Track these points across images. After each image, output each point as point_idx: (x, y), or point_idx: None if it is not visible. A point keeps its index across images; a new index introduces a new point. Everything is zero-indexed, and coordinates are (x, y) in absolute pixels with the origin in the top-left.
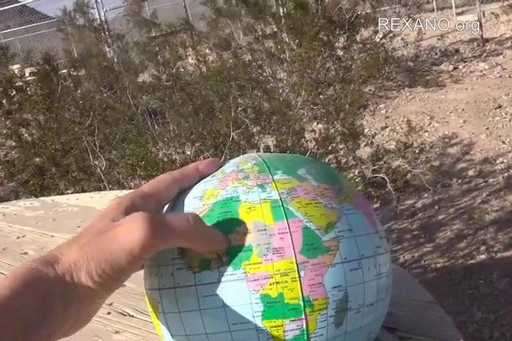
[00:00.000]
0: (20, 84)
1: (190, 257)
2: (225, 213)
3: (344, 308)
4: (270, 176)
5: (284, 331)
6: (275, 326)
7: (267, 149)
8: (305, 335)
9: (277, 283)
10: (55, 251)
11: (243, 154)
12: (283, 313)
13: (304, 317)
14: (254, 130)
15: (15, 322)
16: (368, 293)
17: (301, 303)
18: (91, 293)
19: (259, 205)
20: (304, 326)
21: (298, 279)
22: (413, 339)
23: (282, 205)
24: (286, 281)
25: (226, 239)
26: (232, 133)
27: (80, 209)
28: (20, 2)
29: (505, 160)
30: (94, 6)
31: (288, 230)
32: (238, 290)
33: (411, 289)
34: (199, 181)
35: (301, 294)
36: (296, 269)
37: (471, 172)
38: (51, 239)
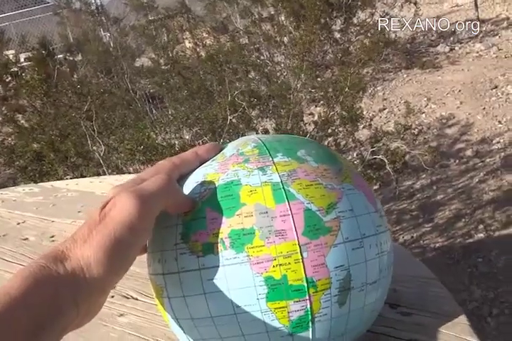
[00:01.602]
0: (16, 69)
1: (193, 242)
2: (226, 197)
3: (347, 287)
4: (270, 159)
5: (288, 312)
6: (280, 307)
7: (266, 132)
8: (309, 315)
9: (280, 265)
10: (61, 247)
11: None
12: (287, 295)
13: (307, 297)
14: (253, 113)
15: (27, 322)
16: (371, 271)
17: (305, 284)
18: (102, 283)
19: (260, 188)
20: (308, 306)
21: (301, 260)
22: (414, 315)
23: (283, 188)
24: (289, 263)
25: (193, 201)
26: (229, 117)
27: (80, 194)
28: None
29: (501, 140)
30: None
31: (290, 212)
32: (242, 273)
33: (412, 266)
34: (199, 166)
35: (304, 275)
36: (298, 251)
37: (468, 153)
38: (52, 224)
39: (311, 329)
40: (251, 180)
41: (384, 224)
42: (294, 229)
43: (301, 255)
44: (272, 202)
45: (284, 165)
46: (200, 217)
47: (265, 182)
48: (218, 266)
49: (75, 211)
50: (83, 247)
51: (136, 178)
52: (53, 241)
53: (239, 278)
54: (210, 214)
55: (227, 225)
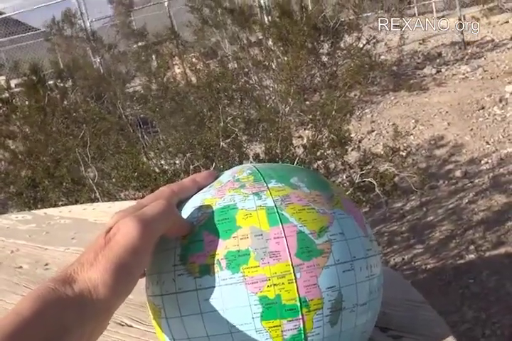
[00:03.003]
0: (7, 95)
1: (190, 263)
2: (223, 220)
3: (339, 308)
4: (265, 184)
5: (282, 331)
6: (273, 326)
7: (257, 157)
8: (302, 334)
9: (274, 285)
10: (69, 270)
11: (233, 163)
12: (281, 314)
13: (300, 317)
14: (243, 138)
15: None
16: (361, 293)
17: (298, 304)
18: (108, 305)
19: (255, 212)
20: (301, 326)
21: (294, 281)
22: (405, 338)
23: (277, 211)
24: (283, 283)
25: (191, 225)
26: (221, 143)
27: (73, 221)
28: (4, 14)
29: (489, 161)
30: (80, 16)
31: (283, 235)
32: (237, 293)
33: (403, 289)
34: (197, 192)
35: (297, 295)
36: (292, 271)
37: (457, 174)
38: (45, 252)
39: None
40: (246, 204)
41: (374, 248)
42: (287, 251)
43: (295, 275)
44: (267, 224)
45: (277, 190)
46: (198, 240)
47: (260, 206)
48: (214, 287)
49: (68, 238)
50: (90, 270)
51: (137, 205)
52: (47, 269)
53: (234, 298)
54: (208, 237)
55: (224, 247)
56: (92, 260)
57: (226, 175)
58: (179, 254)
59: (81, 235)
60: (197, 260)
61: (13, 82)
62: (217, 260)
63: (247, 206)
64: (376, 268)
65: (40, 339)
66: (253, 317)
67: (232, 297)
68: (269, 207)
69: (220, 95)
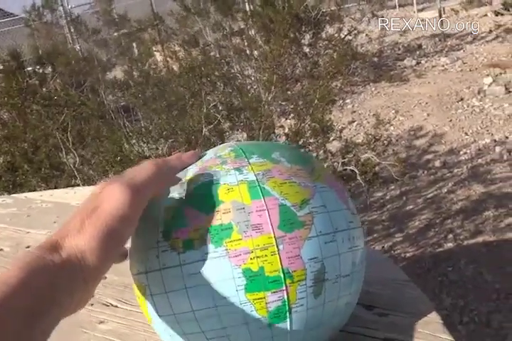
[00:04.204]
0: None
1: (174, 239)
2: (205, 195)
3: (321, 279)
4: (246, 160)
5: (266, 303)
6: (258, 298)
7: None
8: (286, 306)
9: (257, 257)
10: (55, 237)
11: None
12: (264, 286)
13: (284, 288)
14: (226, 126)
15: (24, 310)
16: (344, 264)
17: (281, 275)
18: (96, 271)
19: (236, 186)
20: (285, 297)
21: (277, 253)
22: (390, 315)
23: (259, 185)
24: (265, 255)
25: (177, 177)
26: (204, 129)
27: (55, 205)
28: None
29: (468, 151)
30: (59, 2)
31: (265, 207)
32: (221, 267)
33: (387, 269)
34: (181, 170)
35: (280, 266)
36: (274, 243)
37: (436, 164)
38: (27, 235)
39: (288, 319)
40: (228, 179)
41: (356, 221)
42: (269, 223)
43: (277, 247)
44: (248, 198)
45: (259, 165)
46: (181, 216)
47: (241, 180)
48: (198, 261)
49: (50, 222)
50: (77, 237)
51: (123, 174)
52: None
53: (218, 271)
54: (190, 212)
55: (207, 221)
56: (78, 227)
57: (208, 153)
58: (162, 231)
59: (63, 219)
60: (180, 235)
61: None
62: (201, 234)
63: (229, 181)
64: (359, 240)
65: (27, 310)
66: (237, 290)
67: (216, 270)
68: (251, 181)
69: (202, 81)
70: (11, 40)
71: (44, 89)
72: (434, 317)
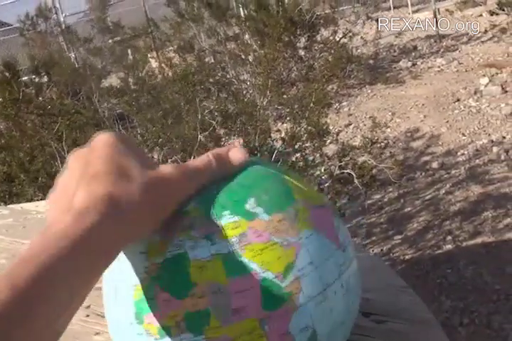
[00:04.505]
0: None
1: (147, 324)
2: (175, 275)
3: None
4: (217, 221)
5: None
6: None
7: None
8: None
9: None
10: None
11: None
12: None
13: None
14: (221, 132)
15: None
16: (337, 315)
17: None
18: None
19: (210, 263)
20: None
21: (264, 335)
22: (388, 322)
23: (235, 259)
24: (251, 340)
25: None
26: (199, 136)
27: None
28: None
29: (466, 152)
30: (53, 11)
31: (245, 287)
32: None
33: (385, 275)
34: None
35: None
36: (259, 326)
37: (434, 165)
38: (22, 247)
39: None
40: (199, 252)
41: (347, 259)
42: (251, 304)
43: (263, 329)
44: (224, 277)
45: (232, 228)
46: (151, 298)
47: (214, 254)
48: None
49: None
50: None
51: None
52: None
53: None
54: (161, 294)
55: (181, 307)
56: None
57: None
58: (135, 312)
59: None
60: (153, 321)
61: None
62: (176, 322)
63: (200, 255)
64: (352, 277)
65: None
66: None
67: None
68: (225, 254)
69: (196, 88)
70: (5, 50)
71: (40, 99)
72: (432, 323)
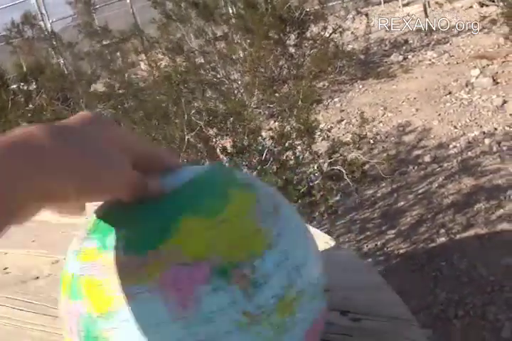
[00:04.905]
0: None
1: None
2: None
3: None
4: (80, 243)
5: None
6: None
7: (224, 150)
8: None
9: None
10: None
11: (201, 157)
12: None
13: None
14: (211, 132)
15: None
16: None
17: None
18: None
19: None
20: None
21: None
22: (366, 320)
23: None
24: None
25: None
26: (186, 137)
27: (34, 223)
28: None
29: (458, 145)
30: (40, 17)
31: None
32: None
33: (363, 273)
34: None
35: None
36: None
37: (426, 159)
38: (5, 256)
39: None
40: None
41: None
42: None
43: None
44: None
45: (86, 254)
46: None
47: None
48: None
49: (28, 241)
50: None
51: None
52: (7, 273)
53: None
54: None
55: None
56: None
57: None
58: None
59: (42, 237)
60: None
61: None
62: None
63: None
64: None
65: None
66: None
67: None
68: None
69: (180, 87)
70: None
71: (30, 106)
72: (410, 321)
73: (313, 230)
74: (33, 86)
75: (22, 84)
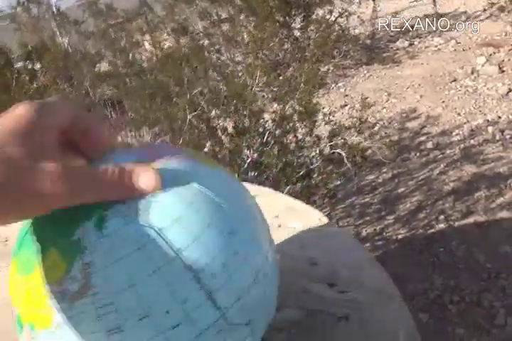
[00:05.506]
0: None
1: None
2: None
3: None
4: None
5: None
6: None
7: (225, 130)
8: None
9: None
10: None
11: (201, 137)
12: None
13: None
14: (213, 113)
15: None
16: None
17: None
18: None
19: None
20: None
21: None
22: (350, 292)
23: None
24: None
25: None
26: (188, 117)
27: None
28: None
29: (460, 132)
30: None
31: None
32: None
33: (352, 248)
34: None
35: None
36: None
37: (429, 145)
38: (5, 228)
39: None
40: None
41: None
42: None
43: None
44: None
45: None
46: None
47: None
48: None
49: None
50: None
51: None
52: (7, 245)
53: None
54: None
55: None
56: None
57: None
58: None
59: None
60: None
61: None
62: None
63: None
64: None
65: None
66: None
67: None
68: None
69: (182, 67)
70: None
71: (34, 85)
72: (395, 295)
73: (305, 207)
74: (38, 65)
75: (27, 62)
